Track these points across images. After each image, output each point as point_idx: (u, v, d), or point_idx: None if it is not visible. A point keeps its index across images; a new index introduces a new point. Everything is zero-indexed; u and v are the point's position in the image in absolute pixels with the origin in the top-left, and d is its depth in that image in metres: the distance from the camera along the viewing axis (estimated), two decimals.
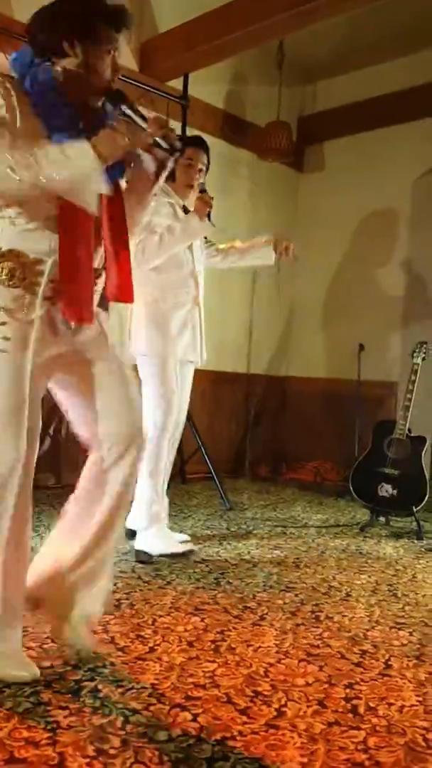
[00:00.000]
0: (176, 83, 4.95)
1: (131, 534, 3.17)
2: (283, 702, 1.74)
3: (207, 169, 3.29)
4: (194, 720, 1.62)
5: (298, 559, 3.12)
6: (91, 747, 1.48)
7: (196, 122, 5.09)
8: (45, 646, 1.97)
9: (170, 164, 2.00)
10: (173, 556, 2.97)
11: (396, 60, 5.39)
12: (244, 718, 1.65)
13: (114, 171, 1.87)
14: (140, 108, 1.92)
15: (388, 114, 5.45)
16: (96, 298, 1.93)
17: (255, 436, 5.86)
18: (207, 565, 2.92)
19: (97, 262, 1.91)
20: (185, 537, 3.27)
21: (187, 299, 3.14)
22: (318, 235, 5.97)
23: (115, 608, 2.32)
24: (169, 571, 2.80)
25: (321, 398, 5.72)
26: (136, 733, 1.55)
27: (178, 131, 4.82)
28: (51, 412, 4.39)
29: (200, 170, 3.22)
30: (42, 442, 4.48)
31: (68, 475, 4.31)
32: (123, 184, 1.98)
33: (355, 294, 5.71)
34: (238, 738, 1.56)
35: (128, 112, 1.90)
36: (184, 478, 4.92)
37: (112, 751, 1.47)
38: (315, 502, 4.55)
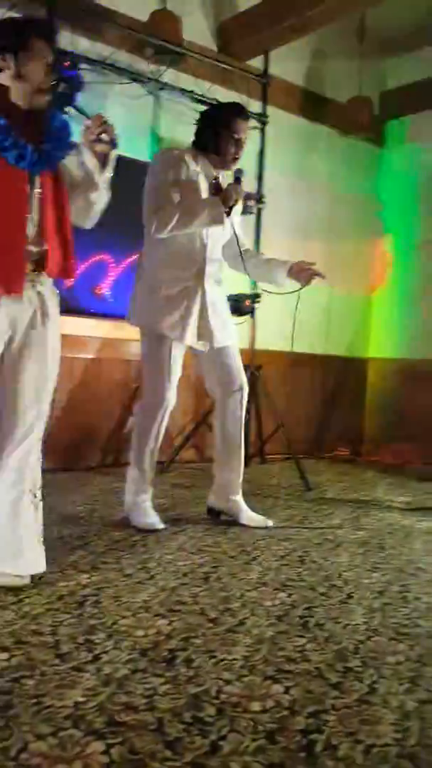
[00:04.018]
0: (255, 62, 4.92)
1: (212, 512, 3.25)
2: (374, 679, 1.74)
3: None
4: (286, 692, 1.64)
5: (382, 540, 3.09)
6: (188, 714, 1.52)
7: (277, 101, 5.06)
8: (138, 615, 2.03)
9: (112, 157, 2.22)
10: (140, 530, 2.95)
11: None
12: (336, 693, 1.66)
13: (54, 156, 2.11)
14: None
15: None
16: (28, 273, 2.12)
17: (334, 418, 5.82)
18: (290, 543, 2.93)
19: (34, 239, 2.10)
20: (269, 522, 3.21)
21: (187, 276, 2.94)
22: (400, 211, 5.85)
23: (203, 581, 2.36)
24: (253, 547, 2.82)
25: (403, 379, 5.62)
26: (230, 703, 1.58)
27: (258, 110, 4.79)
28: None
29: (244, 142, 2.97)
30: None
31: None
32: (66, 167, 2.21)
33: None
34: (331, 712, 1.57)
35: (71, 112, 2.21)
36: (263, 459, 4.93)
37: (208, 719, 1.50)
38: (397, 485, 4.49)
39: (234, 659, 1.80)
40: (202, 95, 4.50)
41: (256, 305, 4.58)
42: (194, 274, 2.97)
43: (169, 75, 4.47)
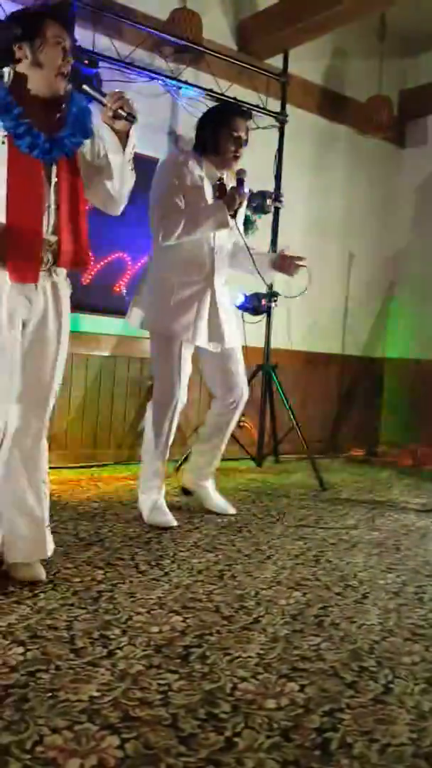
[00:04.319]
0: (273, 61, 4.91)
1: (185, 491, 3.42)
2: (390, 679, 1.73)
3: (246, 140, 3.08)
4: (301, 691, 1.64)
5: (398, 541, 3.07)
6: (202, 710, 1.52)
7: (296, 100, 5.04)
8: (153, 612, 2.03)
9: (133, 132, 2.17)
10: (153, 526, 2.98)
11: None
12: (351, 692, 1.65)
13: (67, 144, 2.09)
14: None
15: None
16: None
17: (349, 418, 5.80)
18: (305, 543, 2.92)
19: (49, 229, 2.10)
20: (231, 509, 3.33)
21: (197, 279, 3.00)
22: (419, 211, 5.82)
23: (218, 579, 2.36)
24: (268, 546, 2.82)
25: (420, 380, 5.59)
26: (245, 700, 1.58)
27: (277, 108, 4.78)
28: None
29: (245, 141, 3.02)
30: None
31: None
32: (86, 156, 2.19)
33: None
34: (346, 711, 1.56)
35: (87, 89, 2.13)
36: (278, 458, 4.92)
37: (222, 716, 1.50)
38: (413, 486, 4.46)
39: (249, 657, 1.79)
40: (221, 94, 4.50)
41: (273, 304, 4.57)
42: (204, 277, 3.02)
43: (188, 73, 4.47)
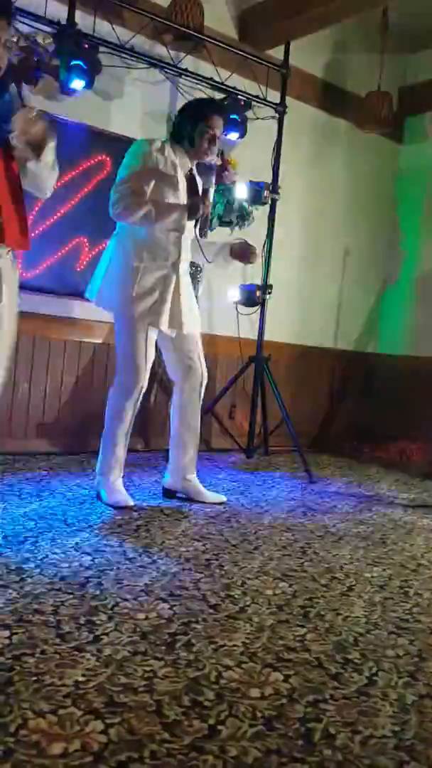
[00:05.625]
0: (274, 52, 4.88)
1: (168, 493, 3.35)
2: (374, 671, 1.74)
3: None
4: (286, 681, 1.65)
5: (384, 535, 3.09)
6: (186, 697, 1.52)
7: (295, 92, 5.01)
8: (139, 599, 2.04)
9: (50, 143, 2.25)
10: (111, 506, 3.06)
11: None
12: (335, 683, 1.66)
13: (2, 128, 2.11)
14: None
15: None
16: None
17: (339, 412, 5.81)
18: (293, 534, 2.93)
19: None
20: (223, 498, 3.39)
21: (164, 264, 3.05)
22: (416, 208, 5.82)
23: (205, 568, 2.37)
24: (255, 536, 2.83)
25: (411, 377, 5.60)
26: (230, 688, 1.58)
27: (277, 99, 4.75)
28: None
29: (218, 138, 3.13)
30: None
31: (156, 440, 4.41)
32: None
33: None
34: (330, 701, 1.57)
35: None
36: (267, 450, 4.93)
37: (207, 704, 1.51)
38: (401, 482, 4.48)
39: (234, 645, 1.80)
40: (220, 83, 4.47)
41: (267, 296, 4.57)
42: (170, 263, 3.07)
43: (188, 61, 4.44)
